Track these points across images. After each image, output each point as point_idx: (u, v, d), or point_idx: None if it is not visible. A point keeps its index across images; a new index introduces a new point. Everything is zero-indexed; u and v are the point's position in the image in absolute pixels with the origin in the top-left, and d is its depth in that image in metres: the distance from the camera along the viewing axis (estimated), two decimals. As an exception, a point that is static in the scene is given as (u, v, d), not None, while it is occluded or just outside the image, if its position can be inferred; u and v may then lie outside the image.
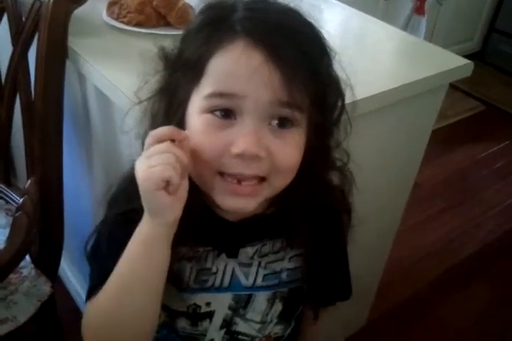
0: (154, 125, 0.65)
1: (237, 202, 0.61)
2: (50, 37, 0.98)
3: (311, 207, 0.69)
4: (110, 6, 1.10)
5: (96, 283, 0.64)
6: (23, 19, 1.06)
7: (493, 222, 2.20)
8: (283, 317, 0.77)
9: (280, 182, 0.63)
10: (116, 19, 1.08)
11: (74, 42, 1.01)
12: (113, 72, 0.92)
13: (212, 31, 0.60)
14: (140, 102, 0.69)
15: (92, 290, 0.64)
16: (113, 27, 1.07)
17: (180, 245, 0.67)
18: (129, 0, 1.08)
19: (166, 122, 0.64)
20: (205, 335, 0.74)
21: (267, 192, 0.62)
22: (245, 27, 0.58)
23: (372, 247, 1.40)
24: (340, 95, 0.67)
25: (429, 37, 2.84)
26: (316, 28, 0.63)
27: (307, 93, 0.59)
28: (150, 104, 0.68)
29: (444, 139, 2.54)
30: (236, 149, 0.57)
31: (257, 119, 0.58)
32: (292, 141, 0.61)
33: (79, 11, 1.03)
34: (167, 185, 0.55)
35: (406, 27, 2.58)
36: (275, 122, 0.59)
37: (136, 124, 0.72)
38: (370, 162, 1.16)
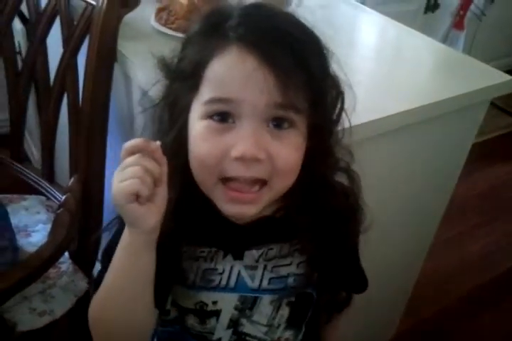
0: (157, 133, 0.68)
1: (239, 208, 0.63)
2: (101, 41, 1.01)
3: (317, 210, 0.70)
4: (159, 11, 1.13)
5: (99, 279, 0.68)
6: (75, 23, 1.09)
7: (528, 238, 2.16)
8: (291, 323, 0.77)
9: (281, 184, 0.64)
10: (164, 25, 1.11)
11: (122, 46, 1.04)
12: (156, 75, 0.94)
13: (208, 39, 0.62)
14: (144, 110, 0.72)
15: (96, 285, 0.68)
16: (161, 32, 1.10)
17: (186, 245, 0.69)
18: (177, 6, 1.10)
19: (168, 130, 0.66)
20: (213, 333, 0.75)
21: (268, 196, 0.64)
22: (238, 33, 0.59)
23: (405, 262, 1.40)
24: (340, 94, 0.68)
25: (468, 52, 2.82)
26: (310, 30, 0.63)
27: (304, 95, 0.60)
28: (155, 111, 0.70)
29: (479, 155, 2.49)
30: (235, 152, 0.59)
31: (254, 122, 0.59)
32: (290, 142, 0.62)
33: (128, 16, 1.06)
34: (138, 197, 0.56)
35: (444, 42, 2.57)
36: (273, 123, 0.61)
37: (142, 131, 0.73)
38: (406, 177, 1.16)
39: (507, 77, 1.13)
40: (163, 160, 0.58)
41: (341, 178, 0.74)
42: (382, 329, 1.62)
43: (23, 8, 1.24)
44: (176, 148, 0.64)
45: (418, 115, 1.02)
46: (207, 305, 0.73)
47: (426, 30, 2.45)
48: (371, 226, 0.76)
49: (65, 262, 1.13)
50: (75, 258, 1.15)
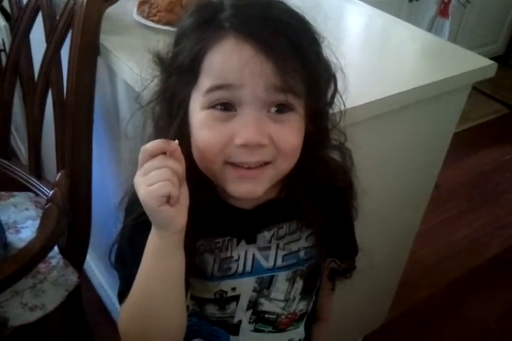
0: (157, 128, 0.69)
1: (246, 186, 0.64)
2: (84, 35, 1.01)
3: (317, 187, 0.73)
4: (140, 4, 1.13)
5: (123, 289, 0.68)
6: (57, 17, 1.09)
7: (517, 223, 2.19)
8: (305, 294, 0.80)
9: (284, 165, 0.65)
10: (146, 18, 1.10)
11: (105, 40, 1.04)
12: (141, 66, 0.94)
13: (203, 32, 0.62)
14: (141, 107, 0.72)
15: (121, 296, 0.68)
16: (143, 25, 1.10)
17: (200, 239, 0.70)
18: (159, -1, 1.11)
19: (168, 124, 0.67)
20: (233, 317, 0.77)
21: (271, 173, 0.65)
22: (234, 24, 0.60)
23: (393, 247, 1.41)
24: (332, 77, 0.69)
25: (453, 40, 2.84)
26: (302, 16, 0.65)
27: (301, 79, 0.61)
28: (151, 108, 0.70)
29: (467, 141, 2.53)
30: (239, 140, 0.60)
31: (255, 108, 0.61)
32: (291, 125, 0.63)
33: (110, 10, 1.06)
34: (168, 199, 0.56)
35: (430, 30, 2.58)
36: (273, 109, 0.62)
37: (139, 129, 0.74)
38: (391, 161, 1.17)
39: (488, 61, 1.14)
40: (183, 158, 0.59)
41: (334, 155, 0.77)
42: (373, 316, 1.63)
43: (6, 5, 1.24)
44: (179, 141, 0.64)
45: (401, 100, 1.03)
46: (226, 292, 0.75)
47: (411, 18, 2.47)
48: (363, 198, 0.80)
49: (55, 257, 1.14)
50: (64, 253, 1.16)
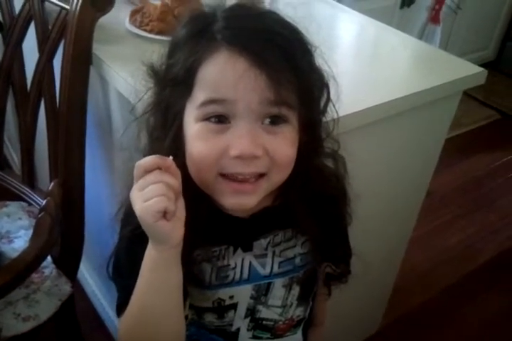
0: (152, 139, 0.69)
1: (239, 199, 0.64)
2: (76, 44, 1.01)
3: (311, 195, 0.73)
4: (133, 14, 1.13)
5: (121, 301, 0.68)
6: (49, 27, 1.09)
7: (510, 228, 2.19)
8: (302, 300, 0.81)
9: (278, 176, 0.66)
10: (139, 27, 1.11)
11: (98, 49, 1.04)
12: (135, 77, 0.95)
13: (196, 44, 0.62)
14: (136, 119, 0.73)
15: (120, 308, 0.68)
16: (135, 35, 1.10)
17: (197, 249, 0.70)
18: (151, 8, 1.11)
19: (163, 136, 0.67)
20: (231, 325, 0.77)
21: (265, 186, 0.65)
22: (226, 36, 0.61)
23: (386, 253, 1.42)
24: (325, 86, 0.70)
25: (445, 46, 2.86)
26: (295, 27, 0.65)
27: (294, 90, 0.62)
28: (145, 119, 0.70)
29: (459, 147, 2.55)
30: (234, 151, 0.61)
31: (249, 121, 0.61)
32: (285, 136, 0.64)
33: (103, 20, 1.06)
34: (165, 214, 0.57)
35: (421, 36, 2.60)
36: (267, 121, 0.62)
37: (133, 140, 0.74)
38: (383, 168, 1.18)
39: (478, 68, 1.15)
40: (179, 173, 0.59)
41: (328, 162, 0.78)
42: (368, 322, 1.63)
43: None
44: (173, 153, 0.64)
45: (394, 107, 1.04)
46: (224, 300, 0.75)
47: (403, 25, 2.48)
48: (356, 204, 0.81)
49: (48, 267, 1.13)
50: (58, 263, 1.15)
